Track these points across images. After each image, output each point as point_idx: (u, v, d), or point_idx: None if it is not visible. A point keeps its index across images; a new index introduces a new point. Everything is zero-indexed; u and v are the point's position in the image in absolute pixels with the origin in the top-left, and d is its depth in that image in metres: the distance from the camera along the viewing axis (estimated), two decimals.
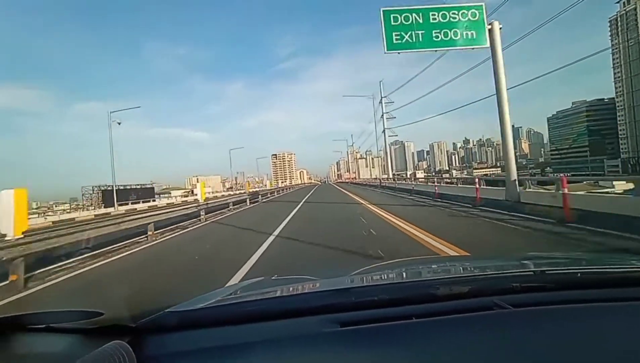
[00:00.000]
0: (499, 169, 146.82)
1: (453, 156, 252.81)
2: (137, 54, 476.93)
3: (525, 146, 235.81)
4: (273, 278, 1.65)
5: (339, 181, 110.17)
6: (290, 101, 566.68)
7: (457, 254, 4.32)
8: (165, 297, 3.30)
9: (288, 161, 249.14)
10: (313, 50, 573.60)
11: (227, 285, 3.12)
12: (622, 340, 0.65)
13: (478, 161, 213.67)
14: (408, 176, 26.40)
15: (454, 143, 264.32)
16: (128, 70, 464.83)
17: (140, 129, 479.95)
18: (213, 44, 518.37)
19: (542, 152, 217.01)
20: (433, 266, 1.55)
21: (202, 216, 12.06)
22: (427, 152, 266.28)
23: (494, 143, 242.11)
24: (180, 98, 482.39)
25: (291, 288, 1.19)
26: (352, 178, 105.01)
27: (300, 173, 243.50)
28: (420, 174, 36.04)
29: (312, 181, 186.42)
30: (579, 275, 0.94)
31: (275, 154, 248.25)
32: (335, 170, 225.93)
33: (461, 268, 1.38)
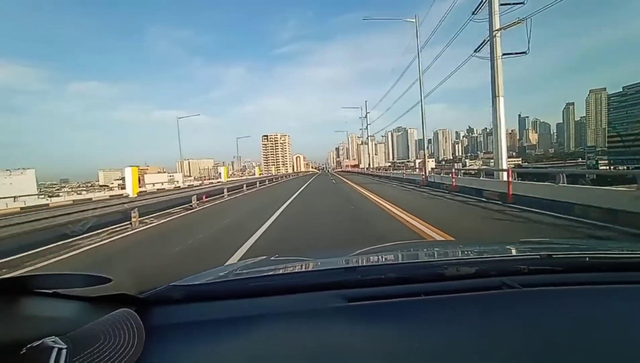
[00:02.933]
0: (519, 159, 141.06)
1: (457, 145, 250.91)
2: (138, 37, 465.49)
3: (533, 137, 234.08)
4: (273, 258, 1.60)
5: (339, 169, 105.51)
6: (290, 87, 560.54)
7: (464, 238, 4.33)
8: None
9: (281, 143, 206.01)
10: (314, 36, 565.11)
11: (227, 264, 3.18)
12: (628, 322, 0.68)
13: (484, 151, 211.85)
14: (417, 165, 24.50)
15: (456, 132, 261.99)
16: (129, 52, 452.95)
17: (140, 112, 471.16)
18: (214, 28, 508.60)
19: (551, 143, 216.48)
20: (439, 249, 1.58)
21: None
22: (430, 140, 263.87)
23: None
24: (180, 81, 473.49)
25: (297, 266, 1.20)
26: (353, 166, 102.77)
27: (296, 158, 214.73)
28: (431, 163, 33.88)
29: (310, 168, 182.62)
30: (587, 259, 0.94)
31: (267, 136, 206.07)
32: (335, 156, 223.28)
33: (468, 251, 1.40)
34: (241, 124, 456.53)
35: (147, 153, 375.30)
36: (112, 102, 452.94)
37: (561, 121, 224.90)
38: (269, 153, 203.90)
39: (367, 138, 43.89)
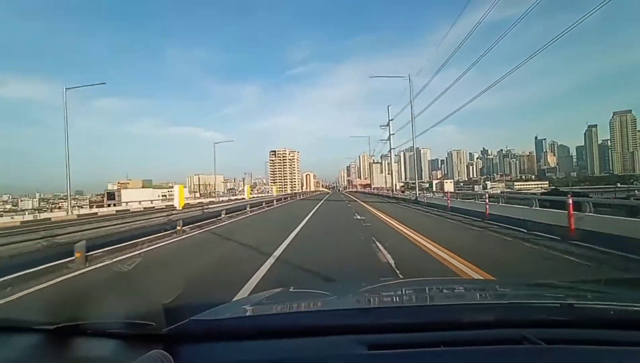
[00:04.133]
0: (544, 183, 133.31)
1: (470, 167, 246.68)
2: (156, 56, 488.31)
3: (551, 159, 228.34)
4: (291, 290, 1.63)
5: (351, 189, 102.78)
6: (301, 106, 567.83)
7: (480, 277, 4.16)
8: None
9: (290, 160, 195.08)
10: (326, 56, 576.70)
11: (243, 297, 3.34)
12: None
13: (500, 173, 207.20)
14: (434, 187, 23.47)
15: (470, 153, 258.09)
16: (147, 70, 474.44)
17: (153, 127, 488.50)
18: (229, 49, 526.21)
19: (572, 166, 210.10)
20: (456, 289, 1.54)
21: None
22: (442, 161, 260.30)
23: (518, 155, 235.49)
24: (194, 99, 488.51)
25: (315, 304, 1.21)
26: (364, 185, 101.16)
27: (306, 176, 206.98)
28: (449, 186, 32.54)
29: (320, 187, 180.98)
30: (611, 312, 0.90)
31: (274, 151, 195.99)
32: (345, 175, 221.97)
33: (487, 294, 1.39)
34: (252, 142, 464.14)
35: (158, 168, 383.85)
36: (130, 117, 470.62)
37: (581, 144, 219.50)
38: (277, 170, 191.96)
39: (390, 150, 36.75)
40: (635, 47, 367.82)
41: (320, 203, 24.14)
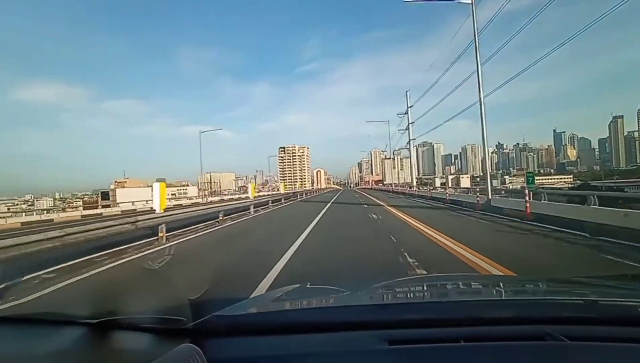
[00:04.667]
0: (565, 176, 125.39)
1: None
2: (168, 57, 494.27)
3: (571, 153, 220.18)
4: (308, 286, 1.64)
5: (363, 186, 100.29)
6: (311, 103, 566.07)
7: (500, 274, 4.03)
8: None
9: (299, 156, 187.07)
10: (337, 53, 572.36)
11: (262, 292, 3.37)
12: None
13: (517, 168, 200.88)
14: (450, 182, 22.23)
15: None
16: (159, 71, 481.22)
17: (166, 127, 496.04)
18: (240, 48, 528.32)
19: (595, 159, 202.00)
20: (474, 285, 1.53)
21: None
22: (456, 156, 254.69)
23: (535, 149, 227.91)
24: (206, 98, 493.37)
25: (333, 299, 1.20)
26: (376, 181, 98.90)
27: (317, 172, 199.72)
28: (465, 181, 30.79)
29: (332, 184, 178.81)
30: (638, 309, 0.88)
31: (284, 148, 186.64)
32: (357, 172, 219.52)
33: (507, 290, 1.36)
34: (263, 139, 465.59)
35: (172, 167, 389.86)
36: (143, 118, 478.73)
37: (603, 136, 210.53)
38: (286, 167, 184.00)
39: (410, 140, 32.56)
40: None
41: (318, 218, 11.64)
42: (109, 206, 21.35)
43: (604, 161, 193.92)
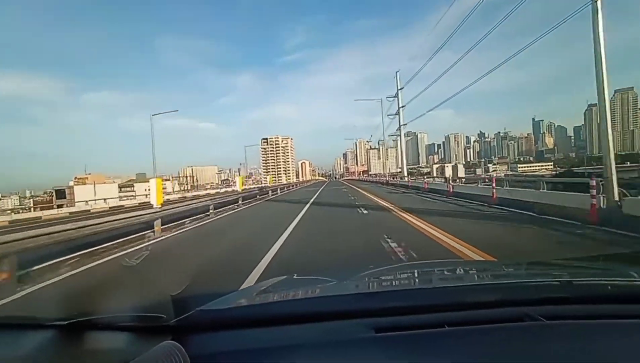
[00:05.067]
0: (546, 163, 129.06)
1: (468, 150, 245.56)
2: (149, 46, 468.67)
3: (549, 141, 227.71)
4: (295, 277, 1.67)
5: (349, 177, 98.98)
6: (297, 94, 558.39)
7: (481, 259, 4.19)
8: None
9: (283, 147, 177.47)
10: (321, 43, 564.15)
11: (248, 285, 3.35)
12: None
13: (499, 156, 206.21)
14: (434, 171, 21.70)
15: (467, 137, 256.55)
16: (138, 61, 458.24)
17: (147, 120, 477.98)
18: (222, 37, 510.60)
19: (571, 146, 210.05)
20: (458, 271, 1.58)
21: None
22: (439, 146, 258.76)
23: (516, 137, 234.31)
24: (188, 89, 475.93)
25: (320, 290, 1.21)
26: (362, 172, 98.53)
27: (301, 164, 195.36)
28: (449, 170, 30.06)
29: (317, 176, 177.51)
30: (609, 287, 0.94)
31: (266, 139, 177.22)
32: (342, 163, 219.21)
33: (489, 275, 1.44)
34: (248, 131, 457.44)
35: (151, 160, 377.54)
36: (122, 111, 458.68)
37: (579, 124, 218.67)
38: (269, 158, 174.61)
39: (400, 126, 29.45)
40: (637, 24, 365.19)
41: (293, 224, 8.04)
42: (63, 205, 18.61)
43: (579, 148, 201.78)
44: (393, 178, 32.06)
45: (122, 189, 34.94)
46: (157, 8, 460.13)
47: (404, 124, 29.83)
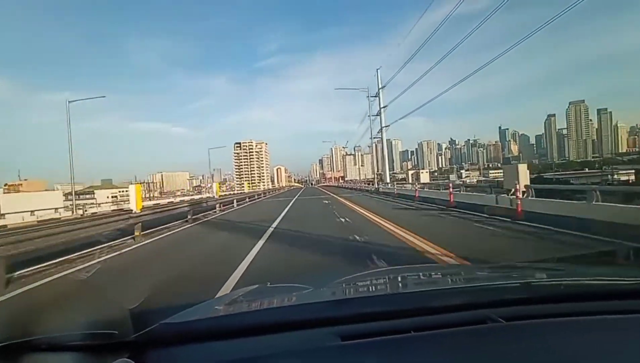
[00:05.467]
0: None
1: (440, 157, 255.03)
2: (116, 46, 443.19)
3: (514, 148, 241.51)
4: (268, 285, 1.67)
5: (326, 184, 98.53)
6: (272, 99, 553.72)
7: (454, 263, 4.38)
8: None
9: (257, 152, 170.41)
10: (297, 49, 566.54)
11: (220, 295, 3.21)
12: (608, 356, 0.69)
13: (469, 163, 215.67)
14: (410, 179, 22.33)
15: (439, 144, 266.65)
16: (105, 62, 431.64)
17: (114, 124, 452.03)
18: (195, 40, 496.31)
19: (533, 153, 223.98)
20: (427, 275, 1.63)
21: None
22: (412, 152, 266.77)
23: (484, 144, 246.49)
24: (159, 93, 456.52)
25: (290, 298, 1.21)
26: (338, 178, 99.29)
27: (277, 170, 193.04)
28: (425, 176, 31.12)
29: (293, 182, 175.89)
30: (562, 287, 1.01)
31: (240, 143, 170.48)
32: (318, 169, 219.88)
33: (455, 279, 1.48)
34: (222, 136, 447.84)
35: (120, 166, 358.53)
36: (89, 113, 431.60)
37: (539, 133, 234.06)
38: (242, 164, 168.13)
39: (382, 128, 27.62)
40: (589, 41, 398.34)
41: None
42: None
43: (540, 156, 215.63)
44: (368, 184, 32.33)
45: (81, 196, 32.48)
46: (124, 6, 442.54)
47: (386, 126, 27.85)
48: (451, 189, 11.97)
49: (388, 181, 26.99)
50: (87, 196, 35.94)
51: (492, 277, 1.42)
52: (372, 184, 30.26)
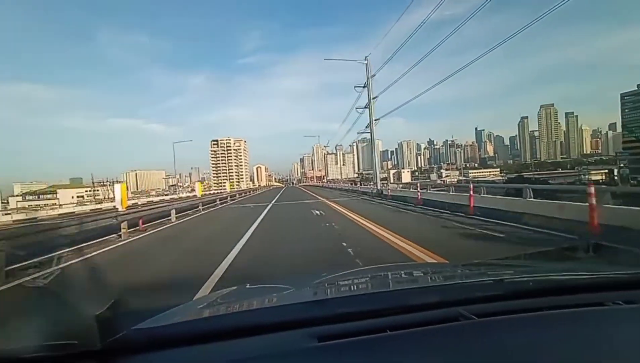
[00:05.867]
0: (493, 170, 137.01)
1: (419, 157, 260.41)
2: (86, 37, 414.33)
3: (490, 149, 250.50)
4: (247, 287, 1.66)
5: (308, 183, 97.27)
6: (253, 98, 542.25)
7: (431, 261, 4.50)
8: None
9: (235, 150, 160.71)
10: (278, 48, 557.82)
11: (197, 297, 3.21)
12: (571, 349, 0.72)
13: (447, 163, 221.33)
14: (392, 179, 21.73)
15: (418, 144, 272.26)
16: (77, 55, 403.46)
17: (87, 120, 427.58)
18: (174, 35, 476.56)
19: (508, 154, 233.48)
20: (404, 274, 1.64)
21: None
22: (392, 152, 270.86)
23: (462, 145, 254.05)
24: (135, 89, 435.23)
25: (267, 300, 1.21)
26: (319, 177, 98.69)
27: (257, 169, 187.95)
28: (406, 176, 30.21)
29: (274, 181, 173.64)
30: (530, 283, 1.04)
31: (217, 141, 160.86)
32: (299, 168, 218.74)
33: (429, 277, 1.51)
34: (201, 134, 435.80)
35: (92, 164, 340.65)
36: (57, 108, 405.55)
37: (513, 134, 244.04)
38: (220, 162, 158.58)
39: (371, 121, 23.99)
40: (559, 47, 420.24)
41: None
42: None
43: (514, 156, 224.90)
44: (352, 184, 31.10)
45: (41, 196, 29.99)
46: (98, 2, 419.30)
47: (376, 120, 24.18)
48: (419, 189, 12.37)
49: (379, 180, 23.64)
50: (49, 196, 33.17)
51: (465, 275, 1.46)
52: (360, 185, 28.50)
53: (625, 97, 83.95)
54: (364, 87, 24.36)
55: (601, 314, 0.86)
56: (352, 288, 1.37)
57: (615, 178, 54.78)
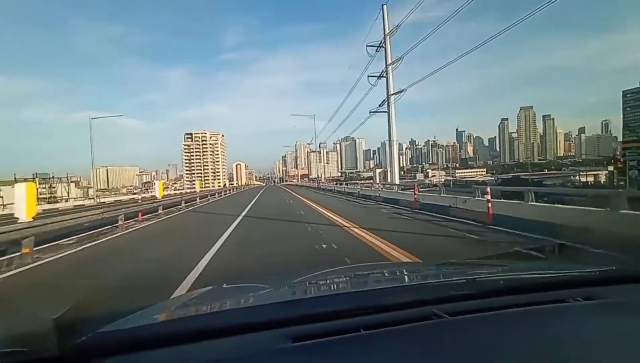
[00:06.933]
0: (479, 170, 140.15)
1: (401, 157, 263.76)
2: (58, 28, 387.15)
3: (470, 149, 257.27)
4: (224, 286, 1.65)
5: (292, 182, 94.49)
6: (234, 94, 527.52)
7: (407, 260, 4.52)
8: None
9: (212, 144, 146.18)
10: (260, 44, 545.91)
11: (173, 296, 3.13)
12: (542, 344, 0.74)
13: (429, 163, 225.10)
14: (377, 179, 20.46)
15: (400, 143, 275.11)
16: (46, 45, 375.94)
17: (57, 113, 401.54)
18: (151, 27, 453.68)
19: (488, 155, 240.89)
20: (378, 273, 1.67)
21: None
22: (374, 151, 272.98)
23: (444, 145, 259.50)
24: (110, 82, 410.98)
25: (242, 300, 1.22)
26: (302, 176, 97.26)
27: (236, 166, 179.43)
28: (396, 175, 29.77)
29: (254, 180, 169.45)
30: (501, 282, 1.08)
31: (191, 134, 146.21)
32: (281, 166, 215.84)
33: (404, 276, 1.54)
34: (179, 130, 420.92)
35: (61, 160, 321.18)
36: (23, 100, 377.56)
37: (493, 136, 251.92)
38: (194, 158, 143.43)
39: (388, 96, 19.15)
40: (536, 54, 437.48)
41: None
42: None
43: (493, 157, 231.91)
44: (337, 184, 29.24)
45: None
46: None
47: (393, 94, 18.06)
48: (415, 191, 12.14)
49: (397, 180, 18.35)
50: None
51: (438, 274, 1.48)
52: (342, 184, 25.88)
53: (628, 95, 77.64)
54: (380, 46, 19.53)
55: (563, 310, 0.90)
56: (328, 288, 1.37)
57: (616, 180, 52.89)
